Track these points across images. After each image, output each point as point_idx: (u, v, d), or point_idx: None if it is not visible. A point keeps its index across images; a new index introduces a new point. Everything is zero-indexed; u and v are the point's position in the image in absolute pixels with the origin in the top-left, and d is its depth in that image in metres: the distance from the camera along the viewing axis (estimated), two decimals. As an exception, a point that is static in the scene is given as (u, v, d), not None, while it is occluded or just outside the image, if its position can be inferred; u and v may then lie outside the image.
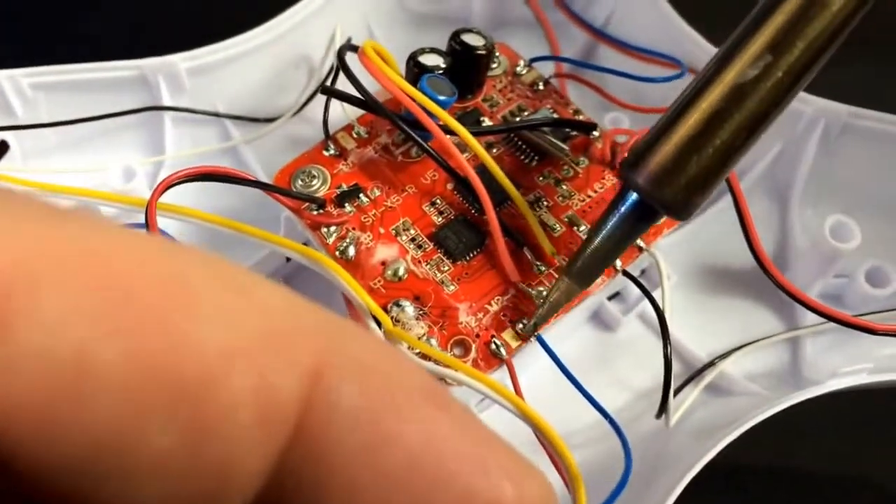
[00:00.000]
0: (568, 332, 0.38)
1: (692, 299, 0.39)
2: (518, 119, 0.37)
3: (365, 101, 0.33)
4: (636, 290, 0.35)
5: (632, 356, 0.38)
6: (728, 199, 0.36)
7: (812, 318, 0.36)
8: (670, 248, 0.39)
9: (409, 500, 0.13)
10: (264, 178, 0.38)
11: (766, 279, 0.35)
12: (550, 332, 0.36)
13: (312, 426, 0.13)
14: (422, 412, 0.14)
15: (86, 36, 0.50)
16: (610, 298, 0.39)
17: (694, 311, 0.39)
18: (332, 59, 0.42)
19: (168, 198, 0.40)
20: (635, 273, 0.35)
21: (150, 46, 0.40)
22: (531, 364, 0.37)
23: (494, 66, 0.38)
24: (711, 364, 0.36)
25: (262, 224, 0.30)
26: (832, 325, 0.35)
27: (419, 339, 0.31)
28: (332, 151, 0.36)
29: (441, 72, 0.35)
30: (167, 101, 0.40)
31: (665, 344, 0.32)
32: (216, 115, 0.42)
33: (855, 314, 0.37)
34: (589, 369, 0.37)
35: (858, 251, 0.37)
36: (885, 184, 0.40)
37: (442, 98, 0.33)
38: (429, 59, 0.35)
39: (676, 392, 0.35)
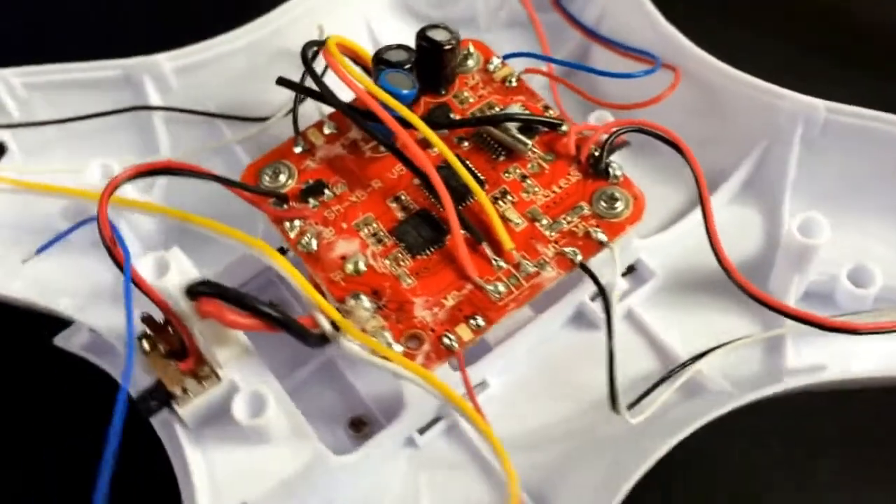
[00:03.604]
0: (550, 334, 0.38)
1: (677, 299, 0.39)
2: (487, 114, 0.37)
3: (321, 94, 0.33)
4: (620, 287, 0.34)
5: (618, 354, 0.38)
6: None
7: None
8: (657, 247, 0.39)
9: None
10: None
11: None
12: (531, 336, 0.36)
13: None
14: None
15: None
16: (593, 299, 0.38)
17: (678, 311, 0.38)
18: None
19: (158, 196, 0.41)
20: (623, 270, 0.35)
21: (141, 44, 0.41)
22: (508, 366, 0.37)
23: (470, 63, 0.38)
24: (689, 363, 0.36)
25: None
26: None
27: (373, 331, 0.31)
28: (301, 148, 0.36)
29: (408, 67, 0.35)
30: (154, 101, 0.41)
31: (609, 336, 0.32)
32: (207, 114, 0.43)
33: (842, 313, 0.36)
34: (571, 369, 0.37)
35: (848, 250, 0.37)
36: (873, 182, 0.39)
37: (404, 92, 0.34)
38: (394, 55, 0.35)
39: (651, 390, 0.35)
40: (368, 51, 0.37)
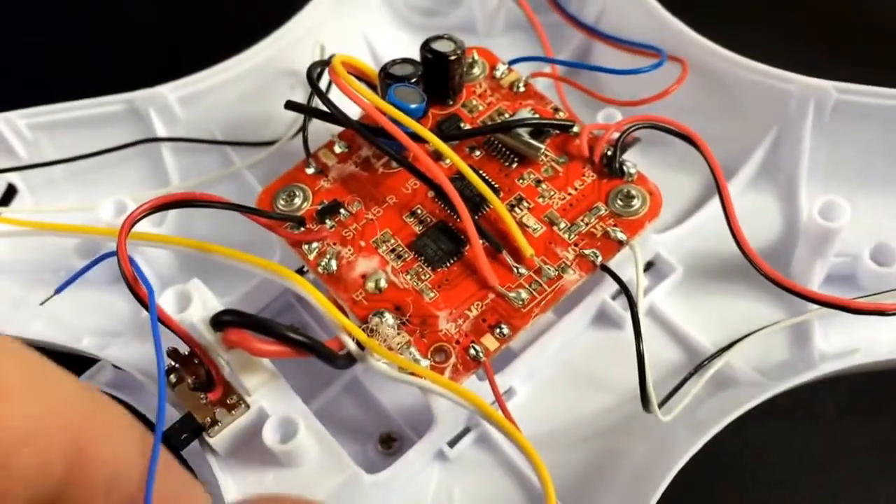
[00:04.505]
0: (573, 335, 0.37)
1: (697, 291, 0.39)
2: (497, 121, 0.37)
3: (331, 115, 0.33)
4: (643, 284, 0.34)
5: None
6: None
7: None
8: (674, 241, 0.39)
9: None
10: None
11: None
12: (555, 340, 0.36)
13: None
14: None
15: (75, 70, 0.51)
16: (615, 297, 0.38)
17: (700, 303, 0.38)
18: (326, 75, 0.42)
19: (170, 228, 0.41)
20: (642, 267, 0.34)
21: (141, 77, 0.41)
22: (534, 372, 0.37)
23: (475, 70, 0.38)
24: (717, 355, 0.35)
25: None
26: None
27: (399, 347, 0.31)
28: (313, 169, 0.36)
29: (414, 80, 0.35)
30: (161, 132, 0.41)
31: (637, 336, 0.32)
32: (215, 142, 0.43)
33: (867, 294, 0.35)
34: (597, 369, 0.37)
35: (867, 230, 0.37)
36: (885, 160, 0.39)
37: (412, 106, 0.34)
38: (399, 70, 0.35)
39: (681, 385, 0.34)
40: (369, 65, 0.37)
